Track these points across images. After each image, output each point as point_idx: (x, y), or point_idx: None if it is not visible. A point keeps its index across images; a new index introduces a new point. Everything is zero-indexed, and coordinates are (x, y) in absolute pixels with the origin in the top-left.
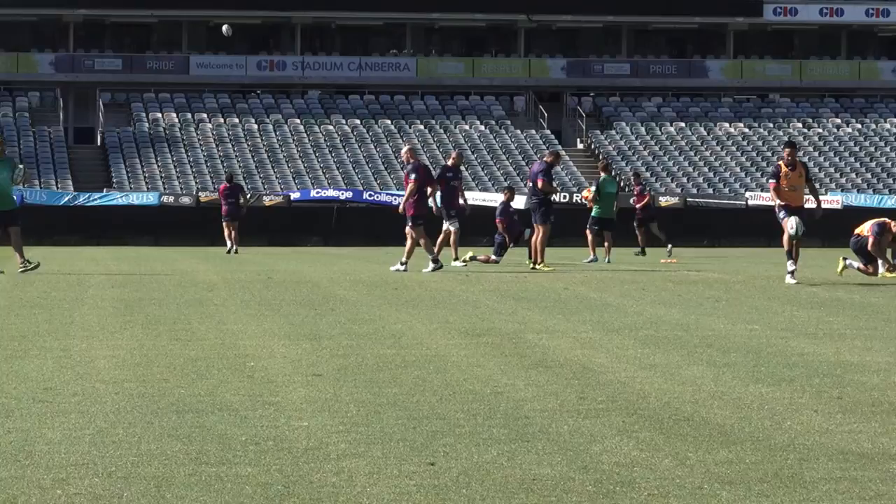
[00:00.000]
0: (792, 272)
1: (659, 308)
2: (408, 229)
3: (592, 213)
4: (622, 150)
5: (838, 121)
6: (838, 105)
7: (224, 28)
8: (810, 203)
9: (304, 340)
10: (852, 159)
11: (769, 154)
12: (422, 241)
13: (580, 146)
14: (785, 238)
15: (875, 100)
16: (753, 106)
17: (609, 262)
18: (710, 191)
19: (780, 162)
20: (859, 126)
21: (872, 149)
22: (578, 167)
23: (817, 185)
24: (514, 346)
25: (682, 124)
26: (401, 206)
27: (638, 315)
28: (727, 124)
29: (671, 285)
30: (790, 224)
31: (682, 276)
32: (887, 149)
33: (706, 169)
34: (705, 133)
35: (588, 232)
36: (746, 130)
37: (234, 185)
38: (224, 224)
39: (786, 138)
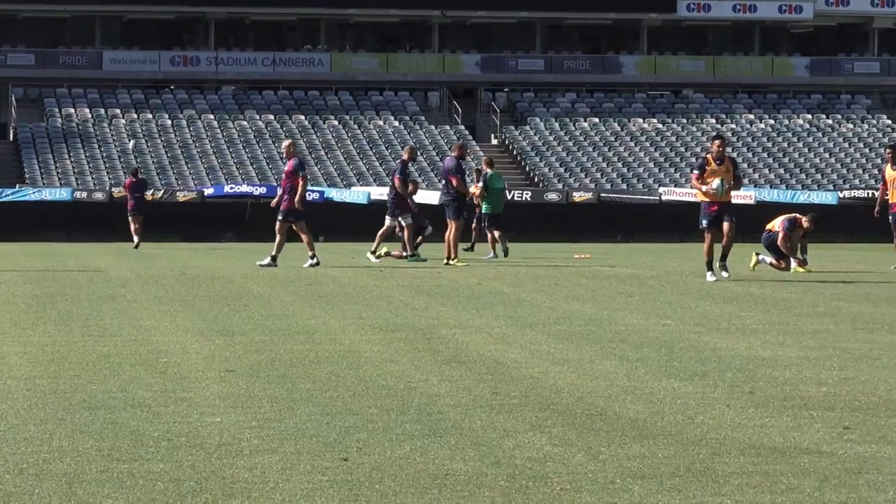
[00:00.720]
0: (711, 270)
1: (572, 303)
2: (280, 224)
3: (483, 210)
4: (536, 145)
5: (751, 116)
6: (751, 101)
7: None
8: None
9: (217, 336)
10: (765, 155)
11: (683, 150)
12: (304, 237)
13: (494, 142)
14: (705, 247)
15: (788, 96)
16: (667, 102)
17: (495, 257)
18: (624, 186)
19: (708, 155)
20: (772, 122)
21: (785, 144)
22: None
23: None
24: (428, 341)
25: (596, 120)
26: (297, 202)
27: (551, 310)
28: (641, 120)
29: (585, 280)
30: (713, 186)
31: (595, 271)
32: (800, 144)
33: (620, 164)
34: (619, 129)
35: (487, 230)
36: (660, 126)
37: (139, 180)
38: (130, 218)
39: (699, 134)
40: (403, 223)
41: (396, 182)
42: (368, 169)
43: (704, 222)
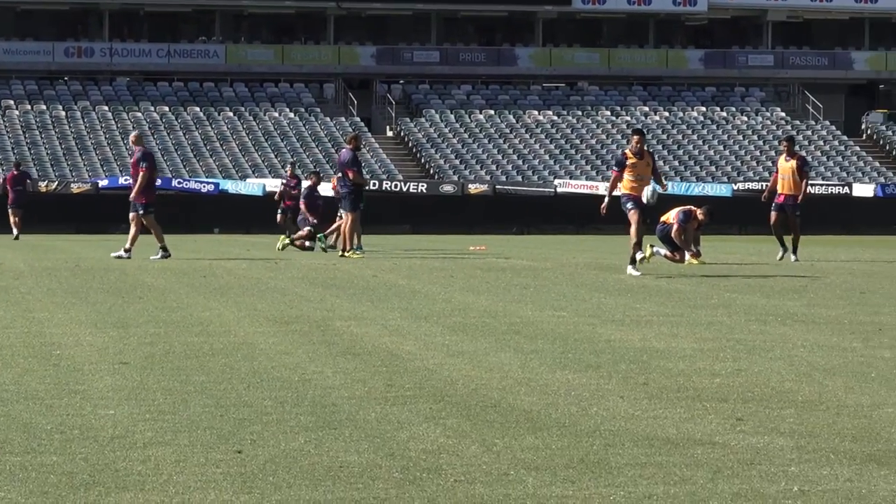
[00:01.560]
0: (634, 263)
1: (467, 295)
2: (133, 215)
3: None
4: (432, 137)
5: (646, 109)
6: (646, 93)
7: None
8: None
9: (111, 329)
10: (660, 147)
11: (578, 142)
12: (153, 230)
13: (390, 133)
14: (633, 230)
15: (682, 88)
16: (562, 94)
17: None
18: (520, 178)
19: (627, 150)
20: (667, 114)
21: (680, 136)
22: (388, 155)
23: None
24: (323, 333)
25: (492, 112)
26: (133, 195)
27: (446, 302)
28: (536, 112)
29: (480, 273)
30: (645, 194)
31: (490, 263)
32: (694, 137)
33: (515, 157)
34: (514, 121)
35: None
36: (555, 118)
37: (22, 172)
38: (10, 211)
39: (594, 126)
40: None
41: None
42: (264, 161)
43: (629, 204)
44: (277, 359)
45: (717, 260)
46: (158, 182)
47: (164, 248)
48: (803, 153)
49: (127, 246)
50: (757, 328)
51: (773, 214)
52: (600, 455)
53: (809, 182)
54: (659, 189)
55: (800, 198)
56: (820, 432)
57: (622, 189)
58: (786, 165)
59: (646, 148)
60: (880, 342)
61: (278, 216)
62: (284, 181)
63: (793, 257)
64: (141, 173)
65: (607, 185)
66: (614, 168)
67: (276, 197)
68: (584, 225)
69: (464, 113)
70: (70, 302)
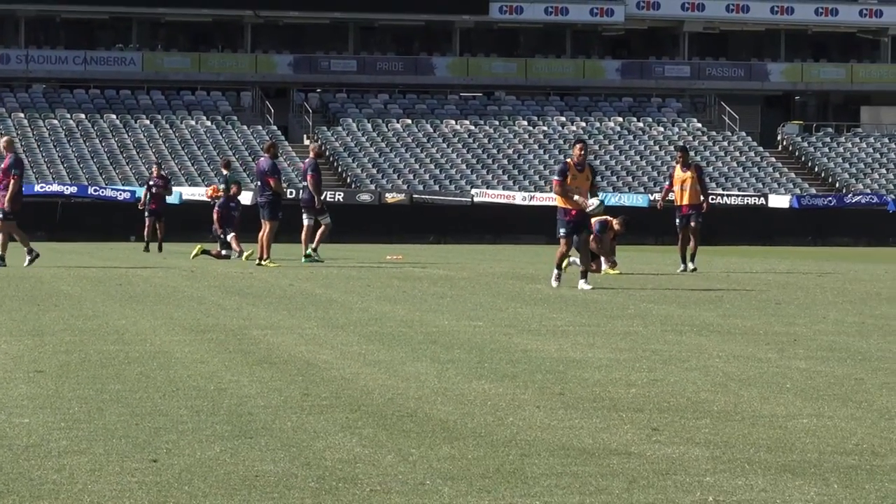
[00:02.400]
0: (558, 275)
1: (384, 304)
2: (1, 224)
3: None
4: (349, 146)
5: (563, 119)
6: (563, 103)
7: None
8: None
9: (26, 336)
10: None
11: (495, 152)
12: (17, 235)
13: (307, 142)
14: (559, 252)
15: (599, 98)
16: (479, 103)
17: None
18: (437, 187)
19: (569, 160)
20: (584, 124)
21: (597, 147)
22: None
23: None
24: (239, 342)
25: (409, 121)
26: (6, 202)
27: (363, 311)
28: (453, 121)
29: (396, 282)
30: (590, 204)
31: (407, 272)
32: (611, 147)
33: (432, 166)
34: (431, 130)
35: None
36: (472, 128)
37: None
38: None
39: (511, 136)
40: (324, 221)
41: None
42: (180, 169)
43: (562, 231)
44: (193, 367)
45: (633, 270)
46: (74, 189)
47: (31, 251)
48: (703, 163)
49: (0, 253)
50: (673, 338)
51: (681, 232)
52: (516, 465)
53: (725, 192)
54: (594, 203)
55: (704, 207)
56: (735, 442)
57: (558, 202)
58: (683, 175)
59: (587, 160)
60: (795, 353)
61: (146, 222)
62: (152, 182)
63: (690, 265)
64: (13, 180)
65: (526, 195)
66: (556, 177)
67: (139, 205)
68: (500, 234)
69: (381, 122)
70: None
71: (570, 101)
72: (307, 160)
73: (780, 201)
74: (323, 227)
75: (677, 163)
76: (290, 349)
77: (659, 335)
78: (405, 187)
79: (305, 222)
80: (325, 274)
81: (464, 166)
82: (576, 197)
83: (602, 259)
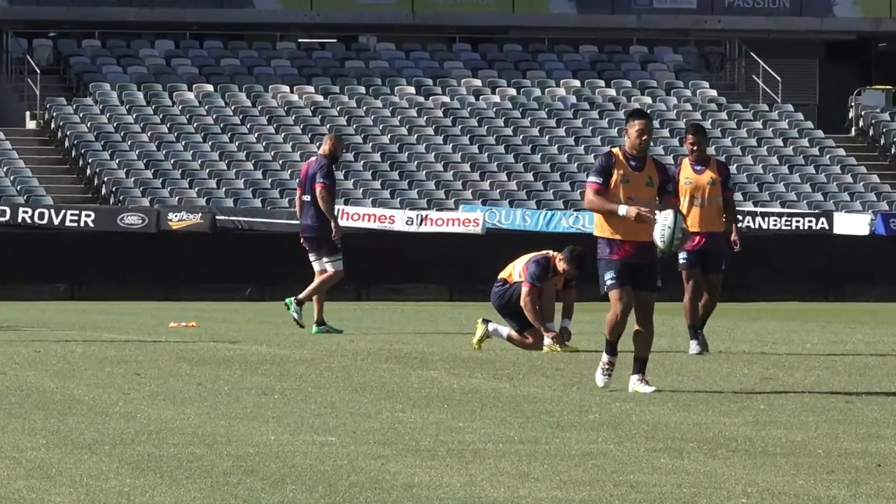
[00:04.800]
0: (609, 366)
1: (164, 407)
2: None
3: None
4: (104, 131)
5: (477, 82)
6: (477, 55)
7: None
8: None
9: None
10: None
11: (359, 139)
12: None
13: (31, 123)
14: (611, 316)
15: (540, 47)
16: (333, 56)
17: None
18: (258, 202)
19: (616, 149)
20: (513, 91)
21: (535, 130)
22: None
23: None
24: None
25: (210, 87)
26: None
27: (127, 419)
28: (286, 87)
29: (186, 367)
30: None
31: (205, 350)
32: (560, 129)
33: (250, 165)
34: (249, 102)
35: None
36: (319, 98)
37: None
38: None
39: (387, 111)
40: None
41: (319, 191)
42: None
43: (610, 277)
44: None
45: (596, 344)
46: None
47: None
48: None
49: None
50: (668, 463)
51: (690, 281)
52: None
53: (760, 210)
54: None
55: (734, 238)
56: None
57: (596, 226)
58: (697, 179)
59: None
60: (880, 488)
61: None
62: None
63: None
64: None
65: (413, 215)
66: (592, 179)
67: None
68: (370, 282)
69: (160, 89)
70: None
71: (489, 51)
72: (314, 159)
73: (852, 223)
74: (331, 273)
75: (690, 154)
76: None
77: (643, 458)
78: (202, 202)
79: (316, 267)
80: (60, 352)
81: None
82: (629, 211)
83: (541, 327)
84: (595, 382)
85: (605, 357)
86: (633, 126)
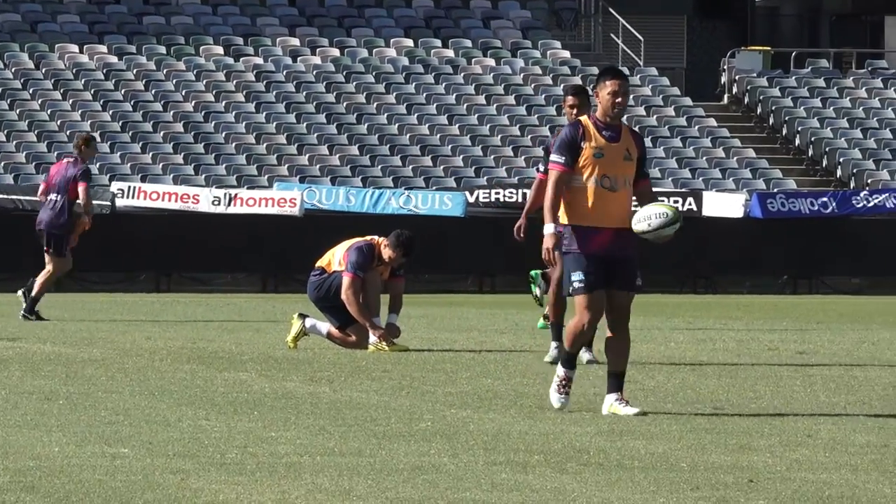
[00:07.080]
0: (564, 382)
1: None
2: None
3: None
4: None
5: (282, 48)
6: (292, 14)
7: None
8: None
9: None
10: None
11: (149, 97)
12: None
13: None
14: (572, 324)
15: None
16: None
17: None
18: (32, 175)
19: (584, 118)
20: (335, 51)
21: (373, 108)
22: None
23: None
24: None
25: None
26: None
27: None
28: (74, 46)
29: None
30: (650, 216)
31: None
32: (391, 97)
33: (25, 126)
34: (33, 63)
35: None
36: (112, 59)
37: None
38: None
39: (194, 74)
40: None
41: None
42: None
43: (577, 279)
44: None
45: (436, 343)
46: None
47: None
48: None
49: None
50: (512, 479)
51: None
52: None
53: None
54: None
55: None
56: None
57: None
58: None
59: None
60: None
61: None
62: None
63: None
64: None
65: (221, 193)
66: (554, 158)
67: None
68: (167, 269)
69: None
70: None
71: (308, 5)
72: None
73: (725, 205)
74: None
75: (570, 120)
76: None
77: (482, 472)
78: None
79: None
80: None
81: (98, 134)
82: (547, 239)
83: (365, 322)
84: (550, 402)
85: (560, 371)
86: (604, 87)
